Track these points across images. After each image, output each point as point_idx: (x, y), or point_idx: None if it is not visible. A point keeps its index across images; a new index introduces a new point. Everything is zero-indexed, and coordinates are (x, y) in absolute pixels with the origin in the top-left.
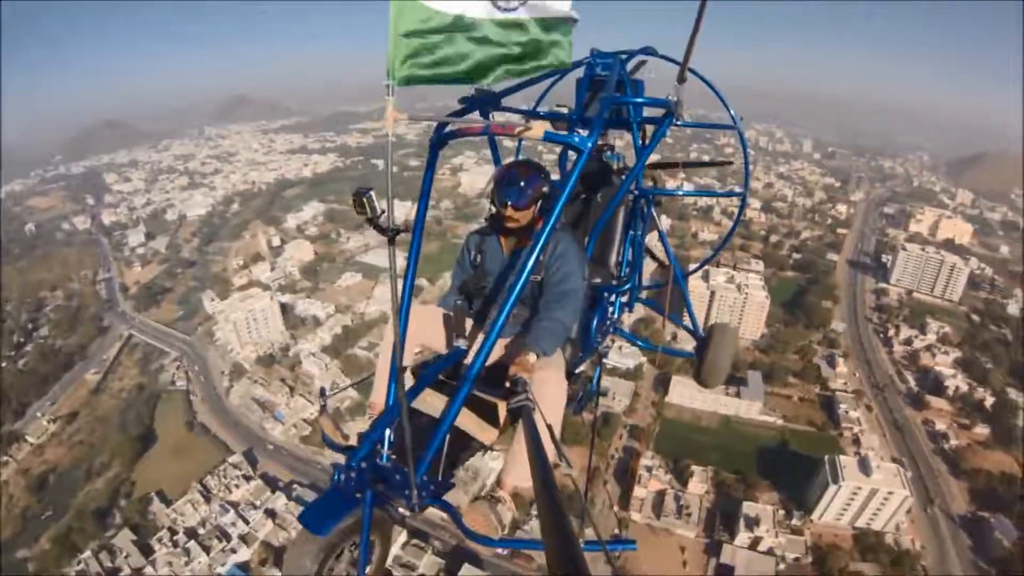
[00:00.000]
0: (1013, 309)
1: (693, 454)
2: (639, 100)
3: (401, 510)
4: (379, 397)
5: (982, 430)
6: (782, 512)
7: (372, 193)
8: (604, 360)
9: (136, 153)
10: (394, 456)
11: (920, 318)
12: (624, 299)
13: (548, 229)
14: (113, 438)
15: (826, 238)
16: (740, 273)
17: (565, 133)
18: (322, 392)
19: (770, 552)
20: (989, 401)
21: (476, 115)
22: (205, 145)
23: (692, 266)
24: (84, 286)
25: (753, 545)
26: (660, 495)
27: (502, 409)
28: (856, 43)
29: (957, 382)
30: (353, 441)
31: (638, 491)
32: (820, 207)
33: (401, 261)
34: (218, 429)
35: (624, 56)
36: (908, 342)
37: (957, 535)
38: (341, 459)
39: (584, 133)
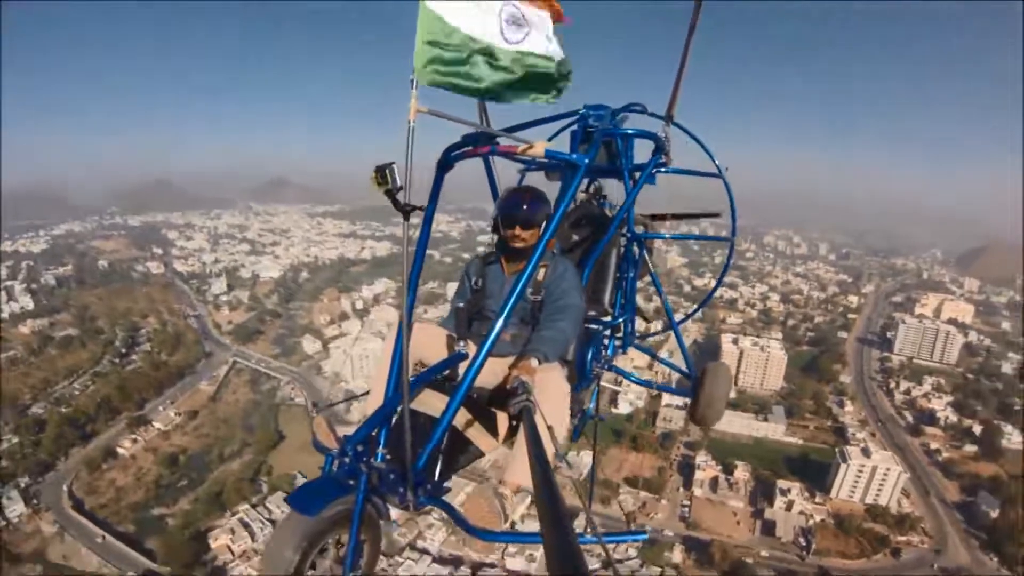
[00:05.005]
0: (1006, 368)
1: (735, 458)
2: (630, 132)
3: (394, 509)
4: (375, 406)
5: (971, 448)
6: (807, 494)
7: (395, 166)
8: (600, 384)
9: (190, 217)
10: (390, 456)
11: (919, 377)
12: (618, 341)
13: (545, 239)
14: (239, 435)
15: (838, 321)
16: (763, 339)
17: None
18: (315, 406)
19: (801, 513)
20: (977, 429)
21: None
22: (255, 219)
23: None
24: (177, 319)
25: (787, 508)
26: (714, 479)
27: (503, 421)
28: (858, 143)
29: (948, 414)
30: None
31: (698, 475)
32: (833, 299)
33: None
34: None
35: (615, 110)
36: (907, 392)
37: (952, 513)
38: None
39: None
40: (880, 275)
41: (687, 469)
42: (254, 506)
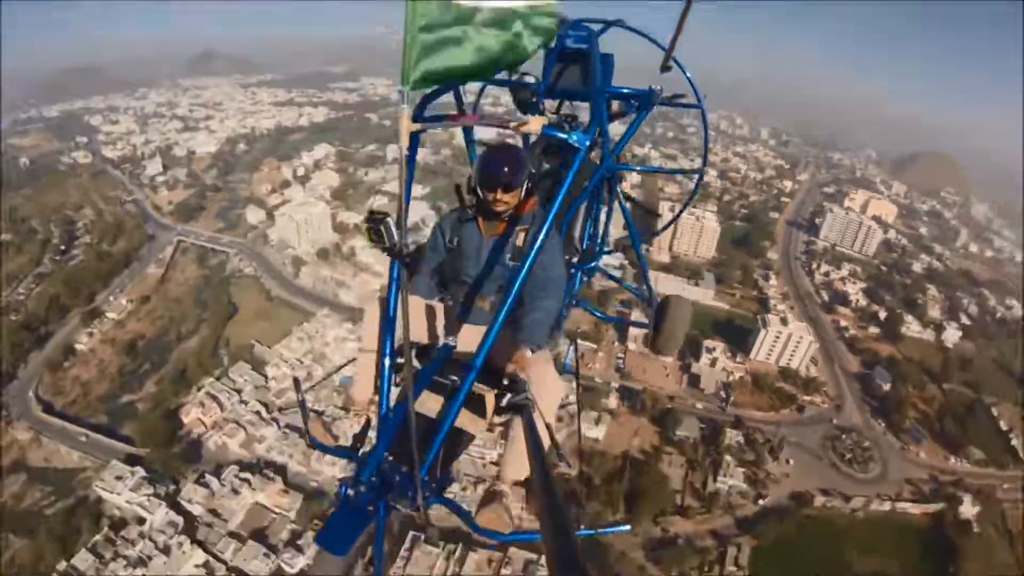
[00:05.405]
0: (917, 268)
1: None
2: (626, 91)
3: (404, 510)
4: (362, 394)
5: (874, 330)
6: (729, 353)
7: (389, 220)
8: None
9: (112, 100)
10: (391, 458)
11: (839, 263)
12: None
13: (551, 218)
14: (193, 312)
15: (771, 203)
16: (698, 210)
17: (559, 131)
18: (296, 385)
19: (723, 370)
20: (883, 315)
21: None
22: (184, 94)
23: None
24: (114, 206)
25: (712, 365)
26: (647, 335)
27: (490, 400)
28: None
29: (859, 298)
30: (343, 442)
31: (632, 330)
32: (769, 181)
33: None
34: (295, 300)
35: (597, 28)
36: (826, 274)
37: (851, 382)
38: (334, 462)
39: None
40: (816, 165)
41: (623, 328)
42: (218, 378)
